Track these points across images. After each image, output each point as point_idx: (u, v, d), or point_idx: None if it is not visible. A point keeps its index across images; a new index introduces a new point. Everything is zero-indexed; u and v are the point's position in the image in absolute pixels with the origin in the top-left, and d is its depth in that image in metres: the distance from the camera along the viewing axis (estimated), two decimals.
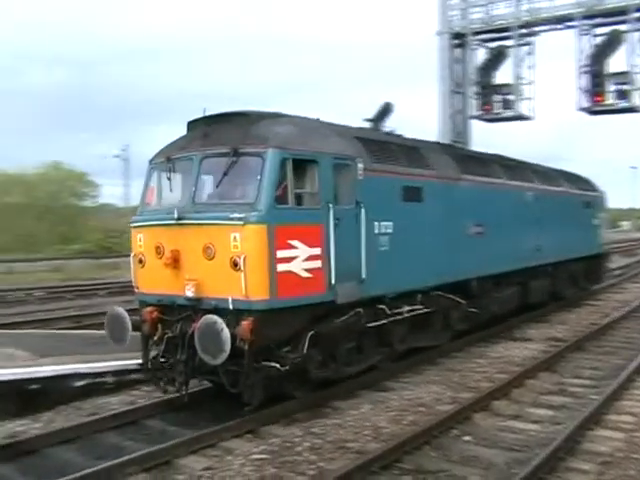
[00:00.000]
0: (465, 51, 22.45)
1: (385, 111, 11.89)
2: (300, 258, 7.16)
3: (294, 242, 7.10)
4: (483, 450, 6.56)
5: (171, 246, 7.32)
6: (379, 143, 8.93)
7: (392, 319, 9.09)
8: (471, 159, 11.76)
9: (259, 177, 6.97)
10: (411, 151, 9.70)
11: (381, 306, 8.86)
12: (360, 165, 8.15)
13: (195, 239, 7.12)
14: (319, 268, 7.42)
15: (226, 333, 6.53)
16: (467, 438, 6.93)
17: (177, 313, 7.35)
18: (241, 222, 6.79)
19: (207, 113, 7.82)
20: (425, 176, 9.74)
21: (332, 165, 7.67)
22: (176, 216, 7.20)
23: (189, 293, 7.15)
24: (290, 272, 7.05)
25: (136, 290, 7.93)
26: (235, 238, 6.84)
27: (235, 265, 6.78)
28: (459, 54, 22.58)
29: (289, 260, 7.03)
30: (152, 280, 7.62)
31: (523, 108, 21.36)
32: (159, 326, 7.46)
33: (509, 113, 21.50)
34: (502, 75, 21.58)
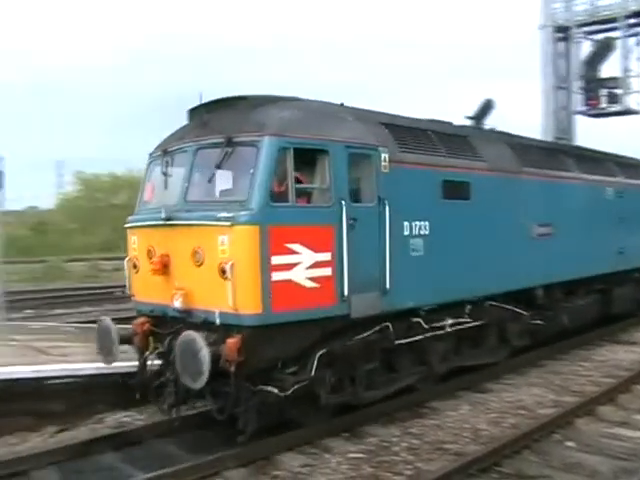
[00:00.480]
0: (569, 44, 20.99)
1: (486, 108, 11.06)
2: (303, 265, 6.07)
3: (295, 246, 6.02)
4: (587, 457, 6.25)
5: (161, 250, 6.47)
6: (411, 130, 7.64)
7: (431, 334, 7.82)
8: (535, 149, 10.12)
9: (252, 170, 5.95)
10: (454, 140, 8.31)
11: (416, 319, 7.61)
12: (384, 155, 6.93)
13: (184, 242, 6.23)
14: (328, 277, 6.30)
15: (204, 353, 5.57)
16: (570, 444, 6.65)
17: (169, 326, 6.49)
18: (229, 223, 5.81)
19: (209, 99, 6.88)
20: (474, 169, 8.34)
21: (347, 155, 6.51)
22: (163, 216, 6.34)
23: (177, 304, 6.26)
24: (289, 281, 5.98)
25: (132, 298, 7.16)
26: (223, 241, 5.87)
27: (223, 273, 5.81)
28: (562, 48, 21.17)
29: (288, 267, 5.96)
30: (145, 287, 6.81)
31: (631, 102, 19.64)
32: (151, 339, 6.64)
33: (616, 108, 19.91)
34: (608, 68, 19.98)
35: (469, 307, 8.46)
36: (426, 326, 7.75)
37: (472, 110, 10.97)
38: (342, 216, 6.34)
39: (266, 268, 5.81)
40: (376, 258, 6.79)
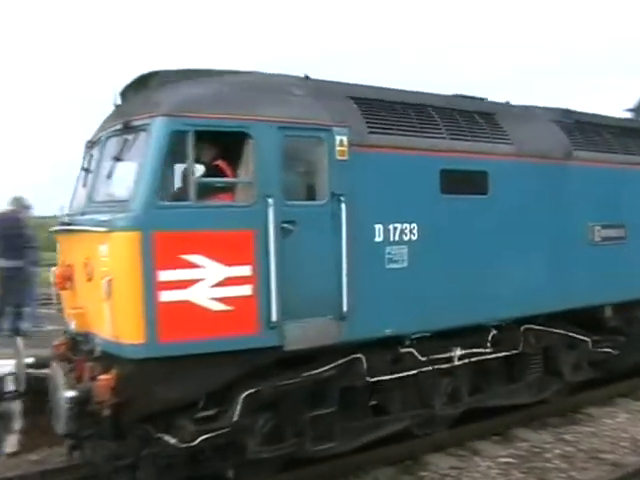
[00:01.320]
0: None
1: None
2: (207, 282, 4.67)
3: (194, 257, 4.64)
4: None
5: (67, 260, 5.44)
6: (393, 105, 5.88)
7: (429, 369, 6.08)
8: (594, 128, 7.77)
9: (141, 161, 4.68)
10: (466, 117, 6.40)
11: (406, 350, 5.92)
12: (341, 138, 5.30)
13: (79, 251, 5.13)
14: (247, 297, 4.84)
15: (62, 395, 4.41)
16: None
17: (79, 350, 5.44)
18: (106, 228, 4.59)
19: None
20: (494, 154, 6.40)
21: (281, 139, 5.00)
22: (66, 219, 5.31)
23: (72, 325, 5.19)
24: (187, 303, 4.61)
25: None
26: (103, 252, 4.67)
27: (105, 290, 4.61)
28: None
29: (184, 285, 4.60)
30: (64, 302, 5.83)
31: None
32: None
33: None
34: None
35: (494, 333, 6.56)
36: (422, 358, 6.02)
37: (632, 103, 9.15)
38: (268, 218, 4.86)
39: (151, 286, 4.50)
40: (328, 272, 5.20)
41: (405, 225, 5.68)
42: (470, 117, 6.45)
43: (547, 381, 7.27)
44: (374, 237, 5.48)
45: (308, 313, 5.07)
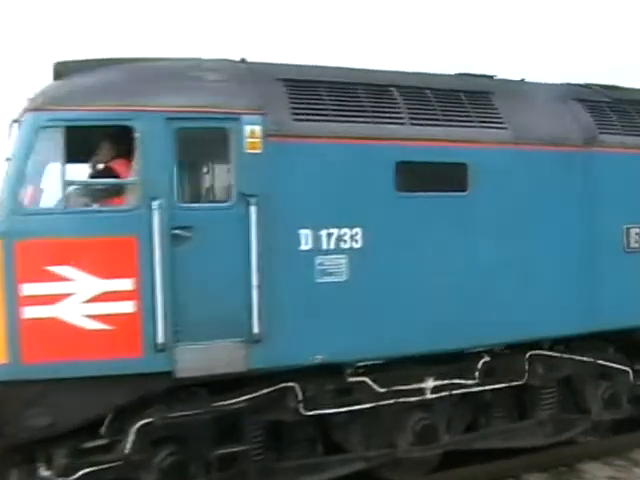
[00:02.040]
0: None
1: None
2: (78, 297, 4.11)
3: (62, 269, 4.10)
4: None
5: None
6: (334, 85, 4.90)
7: (391, 402, 5.08)
8: (625, 107, 6.12)
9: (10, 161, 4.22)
10: (443, 97, 5.23)
11: (356, 379, 4.98)
12: (253, 127, 4.48)
13: None
14: (129, 315, 4.20)
15: None
16: None
17: None
18: None
19: None
20: (479, 142, 5.21)
21: (173, 131, 4.29)
22: None
23: None
24: (55, 320, 4.08)
25: None
26: None
27: None
28: None
29: (51, 300, 4.07)
30: None
31: None
32: None
33: None
34: None
35: (485, 360, 5.39)
36: (380, 389, 5.03)
37: None
38: (153, 223, 4.19)
39: (13, 300, 4.03)
40: (234, 287, 4.42)
41: (344, 230, 4.73)
42: (451, 97, 5.31)
43: (568, 420, 5.91)
44: (298, 245, 4.60)
45: (207, 335, 4.34)
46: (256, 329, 4.44)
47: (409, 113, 5.04)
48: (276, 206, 4.49)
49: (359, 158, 4.81)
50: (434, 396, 5.22)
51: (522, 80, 6.08)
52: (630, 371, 6.08)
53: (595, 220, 5.66)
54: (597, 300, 5.66)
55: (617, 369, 6.03)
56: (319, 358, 4.69)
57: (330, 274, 4.70)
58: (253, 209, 4.40)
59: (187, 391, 4.53)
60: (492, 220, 5.23)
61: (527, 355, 5.58)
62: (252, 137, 4.47)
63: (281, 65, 5.01)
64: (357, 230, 4.77)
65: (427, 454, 5.29)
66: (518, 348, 5.54)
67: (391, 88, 5.12)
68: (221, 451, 4.53)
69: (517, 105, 5.56)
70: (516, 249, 5.32)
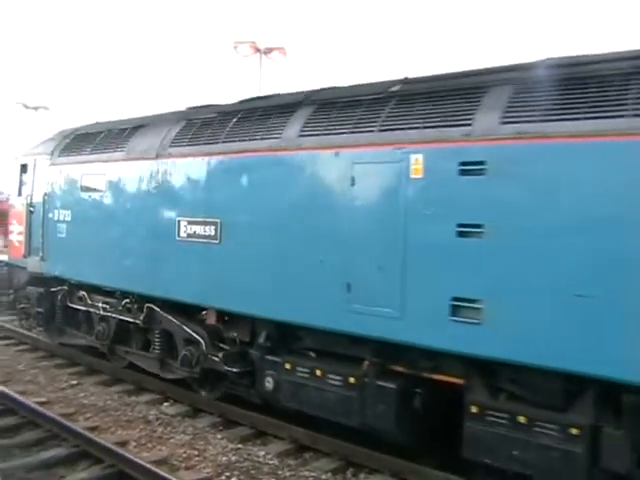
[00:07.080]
0: None
1: None
2: None
3: None
4: None
5: None
6: None
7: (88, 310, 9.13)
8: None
9: None
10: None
11: (82, 293, 9.30)
12: None
13: None
14: None
15: None
16: None
17: None
18: None
19: None
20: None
21: None
22: None
23: None
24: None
25: None
26: None
27: None
28: None
29: None
30: None
31: None
32: None
33: None
34: None
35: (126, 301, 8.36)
36: (89, 301, 9.11)
37: None
38: None
39: None
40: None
41: (66, 211, 9.14)
42: None
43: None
44: (54, 217, 9.36)
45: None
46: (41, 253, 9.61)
47: None
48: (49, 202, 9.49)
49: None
50: (105, 314, 8.69)
51: None
52: (203, 342, 7.21)
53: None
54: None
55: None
56: (57, 272, 9.33)
57: (61, 233, 9.23)
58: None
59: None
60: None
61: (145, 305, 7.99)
62: None
63: None
64: (69, 211, 9.06)
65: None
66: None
67: None
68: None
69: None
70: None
